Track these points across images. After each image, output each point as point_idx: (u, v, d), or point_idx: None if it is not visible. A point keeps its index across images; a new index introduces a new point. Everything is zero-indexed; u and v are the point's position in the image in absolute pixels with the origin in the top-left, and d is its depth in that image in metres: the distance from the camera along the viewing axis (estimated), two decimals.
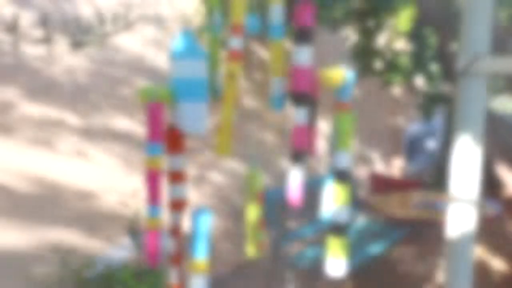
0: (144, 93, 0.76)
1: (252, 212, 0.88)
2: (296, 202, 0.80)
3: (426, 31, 3.48)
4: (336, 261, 0.87)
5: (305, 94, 0.80)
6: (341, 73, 0.88)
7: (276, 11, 0.84)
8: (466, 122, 1.19)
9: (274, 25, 0.85)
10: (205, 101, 0.79)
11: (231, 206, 4.13)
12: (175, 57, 0.79)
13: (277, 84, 0.86)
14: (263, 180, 0.86)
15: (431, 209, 4.60)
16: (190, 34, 0.78)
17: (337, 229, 0.85)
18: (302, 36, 0.81)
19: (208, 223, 0.78)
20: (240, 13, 0.81)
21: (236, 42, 0.81)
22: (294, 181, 0.81)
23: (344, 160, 0.85)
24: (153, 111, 0.74)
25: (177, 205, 0.81)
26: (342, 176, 0.85)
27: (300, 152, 0.80)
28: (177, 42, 0.78)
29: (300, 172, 0.81)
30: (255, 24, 0.85)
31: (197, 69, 0.78)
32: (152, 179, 0.75)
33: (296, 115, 0.81)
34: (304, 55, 0.81)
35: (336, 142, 0.85)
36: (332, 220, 0.85)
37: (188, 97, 0.78)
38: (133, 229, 1.60)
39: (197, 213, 0.78)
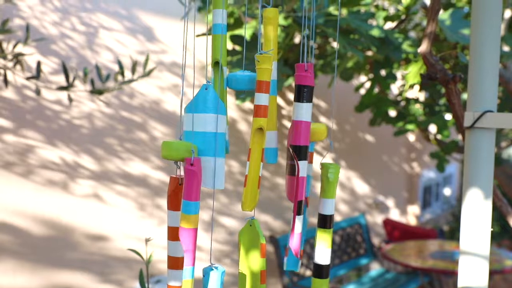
0: (167, 148, 0.77)
1: (253, 263, 0.90)
2: (296, 251, 0.85)
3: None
4: None
5: (305, 148, 0.86)
6: (325, 127, 0.94)
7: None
8: (475, 176, 1.19)
9: None
10: (223, 156, 0.81)
11: None
12: (195, 110, 0.81)
13: (271, 139, 0.91)
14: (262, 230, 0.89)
15: (447, 259, 4.51)
16: (211, 88, 0.81)
17: (319, 271, 0.92)
18: (303, 94, 0.86)
19: (220, 281, 0.80)
20: (266, 71, 0.85)
21: (262, 98, 0.85)
22: (296, 231, 0.85)
23: (328, 207, 0.93)
24: (192, 167, 0.75)
25: (176, 263, 0.82)
26: (325, 222, 0.93)
27: (301, 203, 0.85)
28: (198, 96, 0.81)
29: (301, 222, 0.86)
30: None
31: (218, 124, 0.80)
32: (189, 239, 0.77)
33: (300, 167, 0.85)
34: (305, 112, 0.86)
35: (321, 191, 0.92)
36: (316, 262, 0.91)
37: (207, 152, 0.80)
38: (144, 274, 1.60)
39: (208, 270, 0.80)
